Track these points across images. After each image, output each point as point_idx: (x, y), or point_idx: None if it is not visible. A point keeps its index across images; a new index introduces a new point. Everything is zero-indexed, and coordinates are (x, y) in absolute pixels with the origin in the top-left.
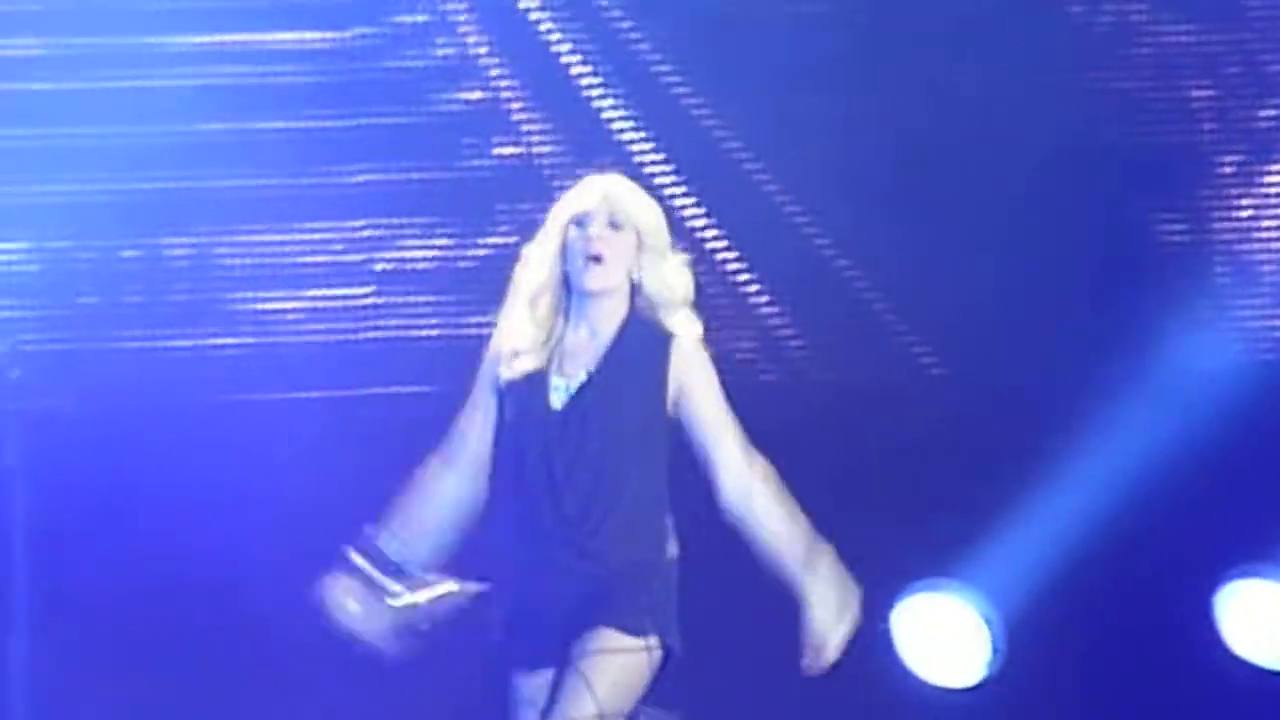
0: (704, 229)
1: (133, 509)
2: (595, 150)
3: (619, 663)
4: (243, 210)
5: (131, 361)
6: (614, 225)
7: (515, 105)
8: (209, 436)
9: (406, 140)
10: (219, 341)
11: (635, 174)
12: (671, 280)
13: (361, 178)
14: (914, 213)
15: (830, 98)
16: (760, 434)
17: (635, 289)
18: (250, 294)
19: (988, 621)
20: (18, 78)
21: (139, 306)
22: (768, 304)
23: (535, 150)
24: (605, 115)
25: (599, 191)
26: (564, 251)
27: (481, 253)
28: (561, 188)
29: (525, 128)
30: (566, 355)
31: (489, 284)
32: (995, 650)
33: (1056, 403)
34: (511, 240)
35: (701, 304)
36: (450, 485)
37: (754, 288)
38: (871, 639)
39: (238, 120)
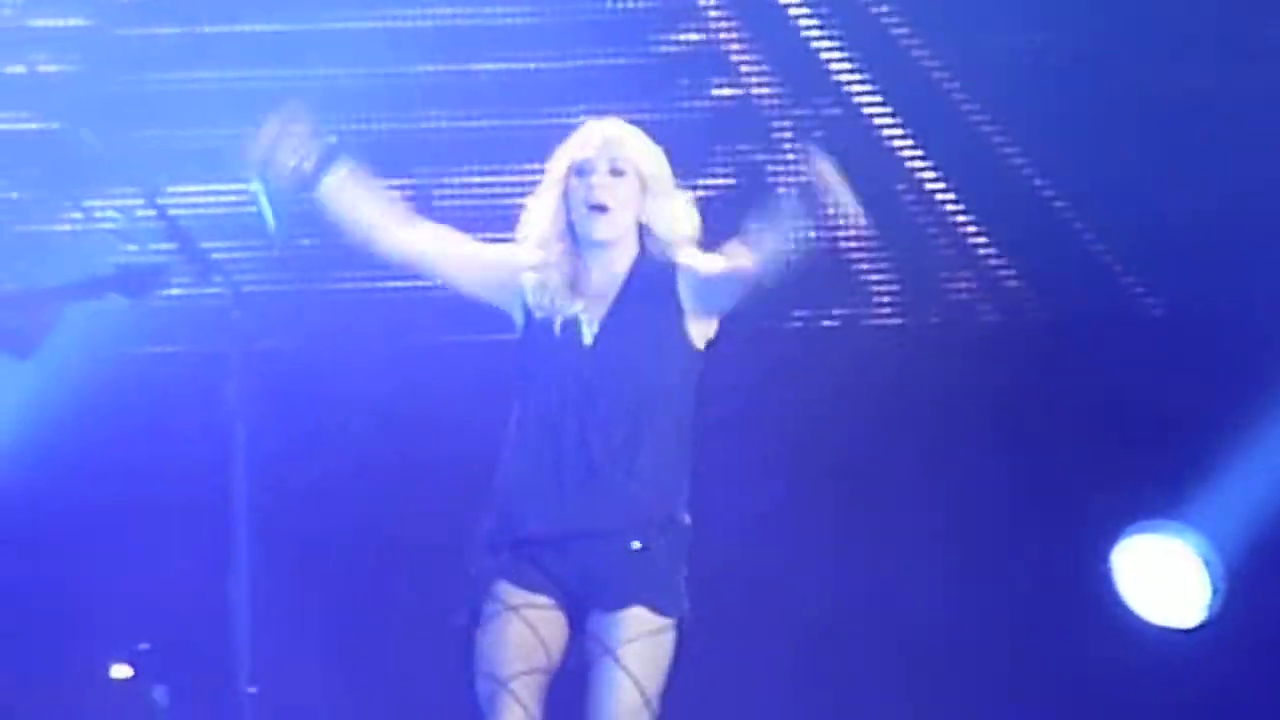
0: (921, 170)
1: (350, 448)
2: (812, 92)
3: (653, 645)
4: (460, 152)
5: (350, 302)
6: (615, 172)
7: (733, 47)
8: (425, 377)
9: (624, 82)
10: (436, 283)
11: (852, 115)
12: (678, 219)
13: (579, 119)
14: (1132, 151)
15: (1047, 36)
16: (979, 373)
17: (644, 231)
18: (466, 235)
19: (1208, 562)
20: (238, 20)
21: (356, 248)
22: (986, 244)
23: (753, 92)
24: (823, 56)
25: (598, 139)
26: (566, 199)
27: (699, 194)
28: (780, 130)
29: (743, 69)
30: (590, 297)
31: (708, 225)
32: (1216, 591)
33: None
34: (729, 182)
35: (920, 244)
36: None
37: (972, 228)
38: (1093, 579)
39: (456, 62)
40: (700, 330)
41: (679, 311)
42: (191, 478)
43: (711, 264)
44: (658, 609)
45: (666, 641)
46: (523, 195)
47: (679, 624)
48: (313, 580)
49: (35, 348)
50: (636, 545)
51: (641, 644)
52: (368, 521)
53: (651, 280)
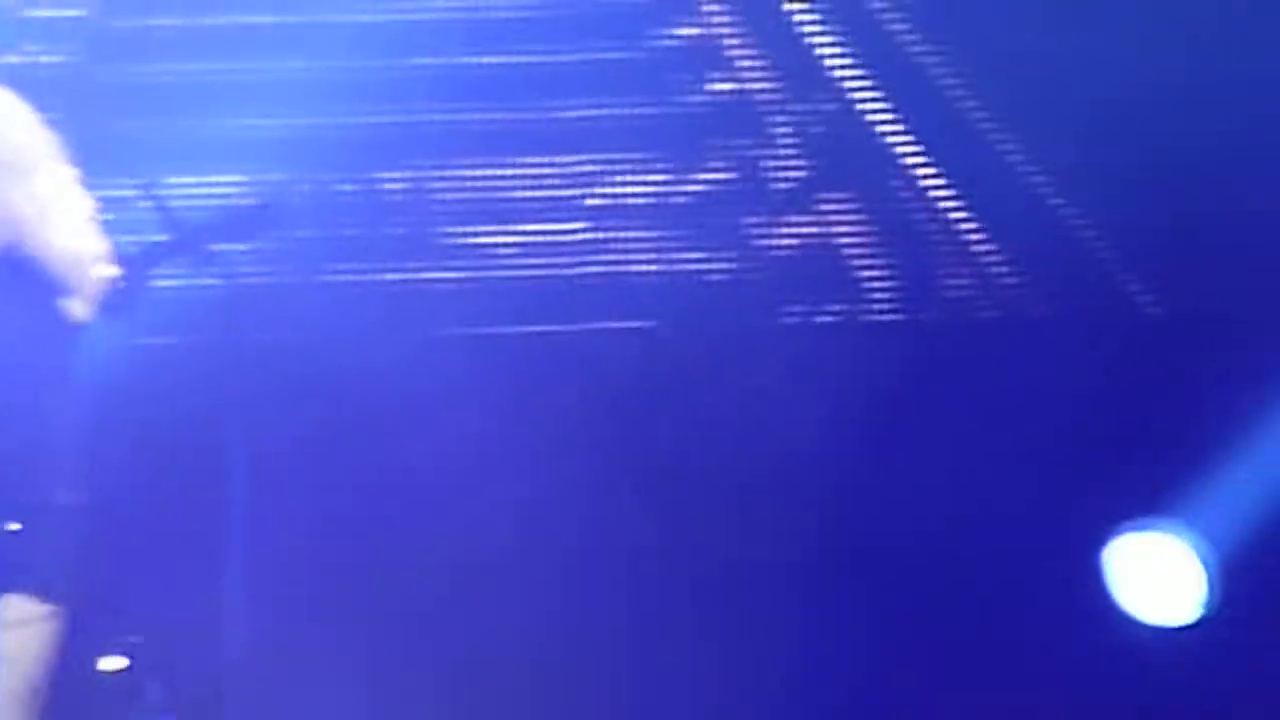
0: (919, 166)
1: (344, 440)
2: (809, 87)
3: (30, 633)
4: (457, 144)
5: (347, 295)
6: None
7: (730, 41)
8: (422, 369)
9: (621, 76)
10: (432, 275)
11: (849, 111)
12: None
13: (576, 113)
14: (1132, 149)
15: (1048, 34)
16: (979, 371)
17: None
18: (464, 228)
19: (1203, 560)
20: (236, 11)
21: (354, 240)
22: (984, 241)
23: (749, 87)
24: (820, 52)
25: None
26: None
27: (695, 189)
28: (776, 124)
29: (740, 64)
30: None
31: (702, 220)
32: (1210, 589)
33: (1276, 342)
34: (725, 177)
35: (917, 240)
36: None
37: (970, 225)
38: (1086, 577)
39: (452, 55)
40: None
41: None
42: (186, 468)
43: None
44: (34, 595)
45: (46, 629)
46: (518, 189)
47: (61, 612)
48: (307, 574)
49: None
50: (12, 527)
51: (16, 632)
52: (361, 514)
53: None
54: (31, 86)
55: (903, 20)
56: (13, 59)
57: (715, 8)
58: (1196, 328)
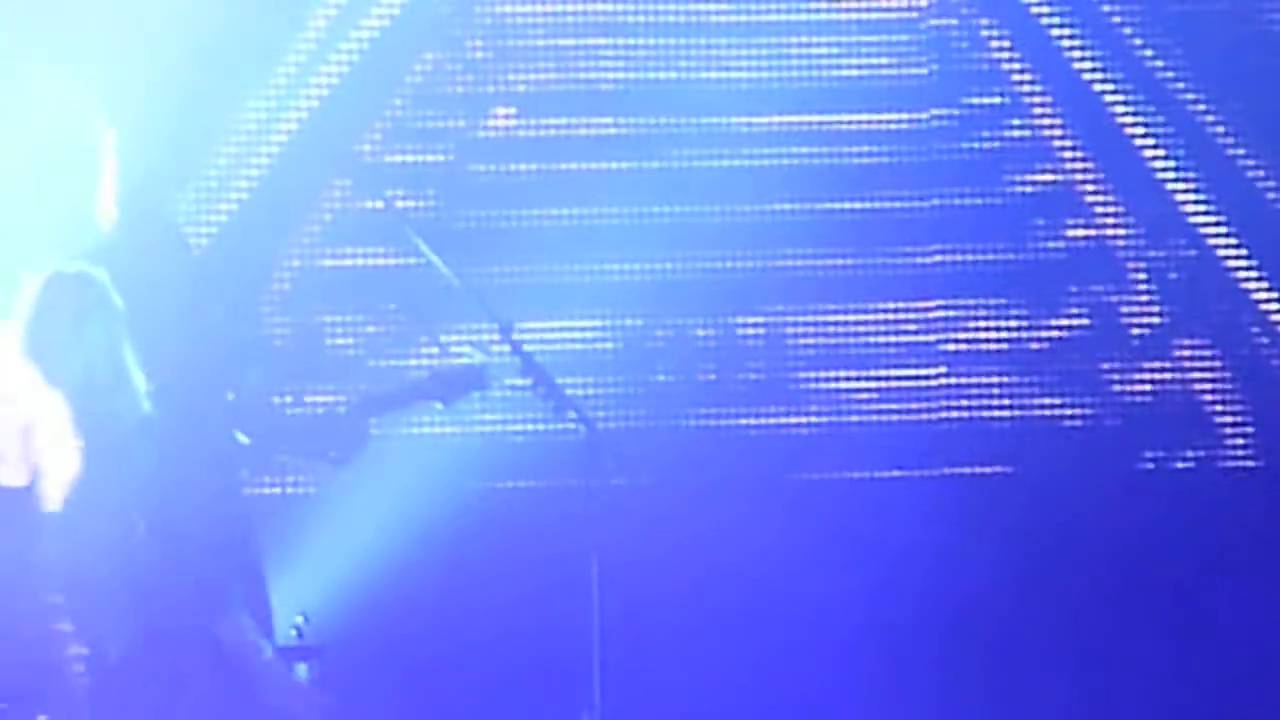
0: (1277, 311)
1: (706, 584)
2: (1167, 233)
3: None
4: (815, 289)
5: (705, 439)
6: None
7: (1088, 187)
8: (778, 514)
9: (979, 221)
10: (790, 420)
11: (1207, 256)
12: None
13: (934, 258)
14: None
15: None
16: None
17: None
18: (821, 373)
19: None
20: (597, 158)
21: (712, 384)
22: None
23: (1107, 233)
24: (1179, 198)
25: None
26: None
27: (1053, 334)
28: (1135, 270)
29: (1098, 210)
30: None
31: (1060, 366)
32: None
33: None
34: (1082, 322)
35: (1276, 386)
36: None
37: None
38: None
39: (812, 200)
40: None
41: None
42: (545, 611)
43: None
44: None
45: None
46: (874, 334)
47: None
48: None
49: (347, 460)
50: None
51: None
52: (722, 659)
53: None
54: (391, 231)
55: (1261, 165)
56: (373, 204)
57: (1072, 154)
58: None
